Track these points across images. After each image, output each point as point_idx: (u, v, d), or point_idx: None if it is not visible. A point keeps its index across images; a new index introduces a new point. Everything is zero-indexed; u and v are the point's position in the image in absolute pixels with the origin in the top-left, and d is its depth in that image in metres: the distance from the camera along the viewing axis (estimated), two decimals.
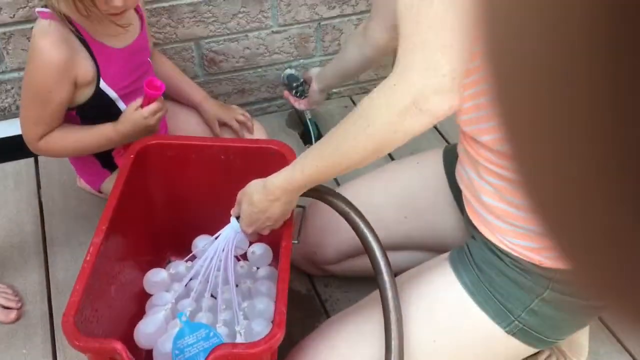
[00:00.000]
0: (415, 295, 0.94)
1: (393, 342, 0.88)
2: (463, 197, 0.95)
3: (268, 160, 1.15)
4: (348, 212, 0.95)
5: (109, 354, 0.84)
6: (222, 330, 1.07)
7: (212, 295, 1.13)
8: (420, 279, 0.96)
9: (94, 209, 1.41)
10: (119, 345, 0.84)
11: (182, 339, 1.03)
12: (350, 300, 1.28)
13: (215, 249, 1.09)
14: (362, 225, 0.94)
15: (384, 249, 0.93)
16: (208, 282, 1.09)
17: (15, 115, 1.49)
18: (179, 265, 1.21)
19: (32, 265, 1.34)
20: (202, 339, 1.04)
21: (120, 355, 0.83)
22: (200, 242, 1.23)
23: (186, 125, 1.41)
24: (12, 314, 1.22)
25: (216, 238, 1.09)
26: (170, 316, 1.10)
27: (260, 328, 1.07)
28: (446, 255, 0.97)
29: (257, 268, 1.21)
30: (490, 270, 0.89)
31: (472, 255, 0.92)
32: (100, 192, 1.39)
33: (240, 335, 1.05)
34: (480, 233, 0.91)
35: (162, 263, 1.28)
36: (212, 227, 1.22)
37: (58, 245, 1.39)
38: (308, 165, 0.85)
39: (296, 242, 1.04)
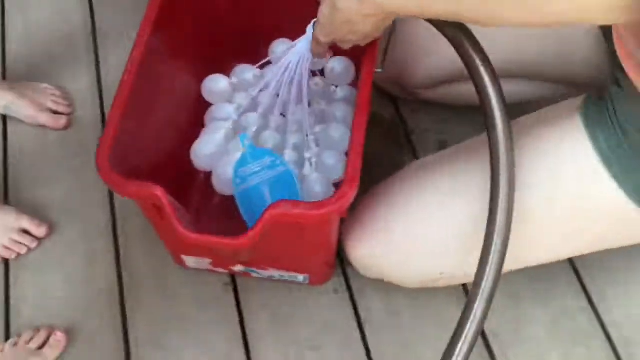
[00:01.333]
0: (534, 152, 0.73)
1: (500, 205, 0.69)
2: (614, 28, 0.68)
3: None
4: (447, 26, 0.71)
5: (150, 199, 0.71)
6: (290, 156, 0.93)
7: (281, 114, 0.97)
8: (542, 132, 0.74)
9: None
10: (159, 192, 0.70)
11: (244, 166, 0.90)
12: (443, 134, 1.09)
13: (289, 59, 0.89)
14: (468, 46, 0.70)
15: (498, 81, 0.70)
16: (278, 96, 0.92)
17: None
18: (245, 72, 1.03)
19: (82, 63, 1.19)
20: (267, 167, 0.90)
21: (161, 202, 0.70)
22: (279, 47, 1.03)
23: None
24: (62, 120, 1.11)
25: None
26: (231, 134, 0.97)
27: (332, 161, 0.92)
28: (578, 103, 0.74)
29: (335, 87, 1.01)
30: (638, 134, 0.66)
31: (616, 110, 0.68)
32: None
33: (311, 165, 0.91)
34: (630, 80, 0.66)
35: (225, 70, 1.10)
36: (292, 32, 1.01)
37: (110, 39, 1.22)
38: None
39: (380, 70, 0.82)
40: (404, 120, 1.12)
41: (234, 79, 1.03)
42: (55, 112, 1.12)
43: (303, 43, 0.86)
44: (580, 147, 0.71)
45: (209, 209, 0.98)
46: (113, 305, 0.96)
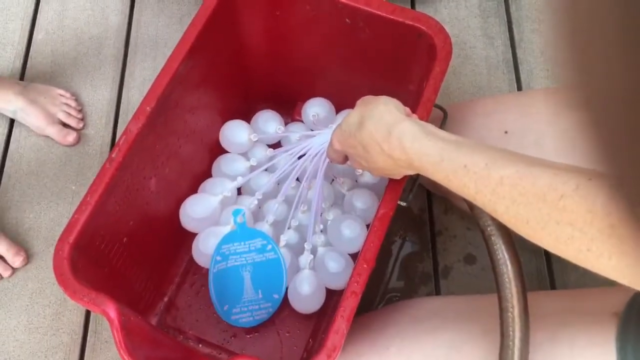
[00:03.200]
0: (544, 357, 0.60)
1: None
2: None
3: (410, 44, 0.76)
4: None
5: (103, 314, 0.62)
6: (289, 237, 0.83)
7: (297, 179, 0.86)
8: (562, 342, 0.61)
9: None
10: (112, 312, 0.61)
11: (230, 243, 0.81)
12: (472, 246, 0.96)
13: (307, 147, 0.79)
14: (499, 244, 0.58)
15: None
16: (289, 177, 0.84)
17: None
18: (267, 124, 0.93)
19: (106, 72, 1.10)
20: (257, 249, 0.81)
21: (112, 324, 0.61)
22: (295, 131, 0.93)
23: None
24: (71, 137, 1.02)
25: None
26: (232, 199, 0.86)
27: (336, 267, 0.80)
28: (613, 328, 0.60)
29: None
30: None
31: None
32: None
33: (307, 264, 0.81)
34: None
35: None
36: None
37: (143, 49, 1.12)
38: (456, 166, 0.52)
39: (404, 204, 0.70)
40: (433, 220, 0.99)
41: (253, 135, 0.92)
42: (65, 125, 1.03)
43: (325, 136, 0.76)
44: None
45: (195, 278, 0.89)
46: None
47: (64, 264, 0.62)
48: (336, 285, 0.81)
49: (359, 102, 0.63)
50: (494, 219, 0.57)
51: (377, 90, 0.86)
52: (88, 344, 0.89)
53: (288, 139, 0.91)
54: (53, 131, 1.02)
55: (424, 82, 0.72)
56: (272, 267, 0.81)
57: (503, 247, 0.58)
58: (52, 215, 0.98)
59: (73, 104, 1.05)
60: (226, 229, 0.83)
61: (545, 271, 0.94)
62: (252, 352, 0.84)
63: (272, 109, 0.96)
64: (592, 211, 0.43)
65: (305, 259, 0.82)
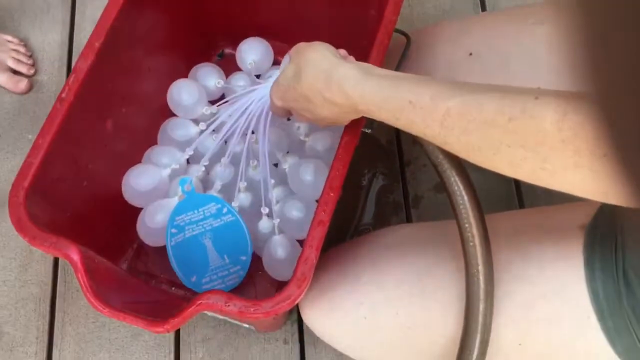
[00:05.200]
0: (518, 278, 0.61)
1: (473, 338, 0.59)
2: None
3: None
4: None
5: (65, 258, 0.61)
6: (243, 198, 0.79)
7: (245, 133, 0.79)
8: (531, 248, 0.62)
9: None
10: (75, 255, 0.59)
11: (183, 213, 0.77)
12: (439, 186, 0.96)
13: (248, 102, 0.75)
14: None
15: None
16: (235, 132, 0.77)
17: None
18: (207, 78, 0.88)
19: (55, 12, 1.05)
20: (212, 215, 0.77)
21: (76, 267, 0.59)
22: (239, 82, 0.88)
23: None
24: (22, 83, 0.98)
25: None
26: (182, 170, 0.81)
27: (297, 214, 0.78)
28: (582, 219, 0.60)
29: None
30: None
31: (625, 255, 0.56)
32: None
33: (269, 217, 0.77)
34: None
35: (210, 57, 0.96)
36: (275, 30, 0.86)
37: None
38: (397, 103, 0.51)
39: (369, 131, 0.68)
40: (402, 149, 0.98)
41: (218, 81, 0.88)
42: (16, 72, 0.99)
43: (265, 89, 0.72)
44: (573, 286, 0.58)
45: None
46: (42, 316, 0.87)
47: (20, 210, 0.60)
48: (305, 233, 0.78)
49: (292, 51, 0.61)
50: (445, 153, 0.56)
51: (338, 19, 0.84)
52: (59, 293, 0.88)
53: (231, 92, 0.85)
54: (3, 79, 0.97)
55: (385, 6, 0.70)
56: (232, 230, 0.77)
57: (457, 179, 0.57)
58: (9, 166, 0.94)
59: (22, 49, 1.00)
60: (174, 201, 0.77)
61: (514, 193, 0.95)
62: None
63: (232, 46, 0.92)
64: (542, 130, 0.42)
65: (265, 224, 0.78)
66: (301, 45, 0.61)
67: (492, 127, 0.45)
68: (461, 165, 0.58)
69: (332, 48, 0.59)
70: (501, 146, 0.45)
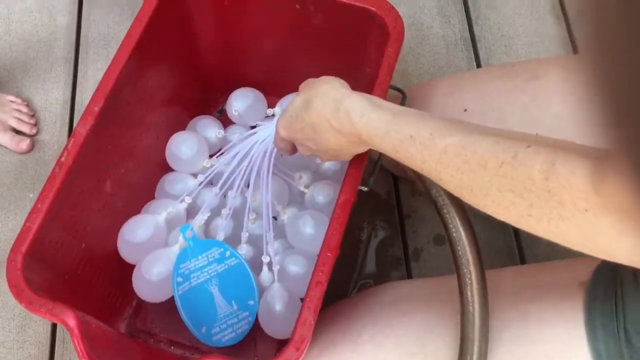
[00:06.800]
0: (520, 344, 0.60)
1: None
2: None
3: (363, 26, 0.75)
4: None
5: (62, 323, 0.60)
6: (244, 251, 0.79)
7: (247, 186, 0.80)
8: (529, 309, 0.61)
9: None
10: (72, 320, 0.59)
11: (186, 261, 0.77)
12: (440, 225, 0.96)
13: (251, 143, 0.77)
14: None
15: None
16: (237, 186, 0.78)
17: None
18: (207, 130, 0.89)
19: (57, 74, 1.07)
20: (215, 260, 0.77)
21: (72, 332, 0.59)
22: (234, 132, 0.89)
23: None
24: (24, 143, 0.99)
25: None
26: (181, 218, 0.81)
27: (298, 269, 0.78)
28: (580, 299, 0.60)
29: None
30: None
31: (626, 313, 0.55)
32: None
33: (270, 270, 0.77)
34: None
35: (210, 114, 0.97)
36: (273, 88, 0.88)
37: (95, 49, 1.09)
38: (403, 136, 0.52)
39: (366, 189, 0.69)
40: (400, 202, 0.99)
41: (219, 132, 0.89)
42: (18, 132, 1.00)
43: (269, 129, 0.74)
44: (576, 349, 0.57)
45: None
46: None
47: (17, 275, 0.60)
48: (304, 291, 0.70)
49: (301, 86, 0.63)
50: (444, 189, 0.57)
51: (334, 75, 0.85)
52: (56, 355, 0.87)
53: (231, 142, 0.84)
54: (5, 139, 0.99)
55: (380, 64, 0.71)
56: (237, 274, 0.77)
57: (455, 215, 0.58)
58: (10, 225, 0.95)
59: (25, 109, 1.01)
60: (174, 249, 0.77)
61: (514, 245, 0.95)
62: (226, 349, 0.83)
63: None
64: (531, 177, 0.43)
65: (266, 275, 0.77)
66: (311, 79, 0.63)
67: (484, 169, 0.46)
68: (460, 203, 0.58)
69: (341, 80, 0.61)
70: (492, 189, 0.46)
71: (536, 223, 0.44)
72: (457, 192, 0.50)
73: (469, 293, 0.58)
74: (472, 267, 0.58)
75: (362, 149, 0.60)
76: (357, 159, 0.65)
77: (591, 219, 0.40)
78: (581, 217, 0.40)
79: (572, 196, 0.41)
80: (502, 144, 0.46)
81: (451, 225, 0.58)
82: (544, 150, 0.43)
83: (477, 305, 0.57)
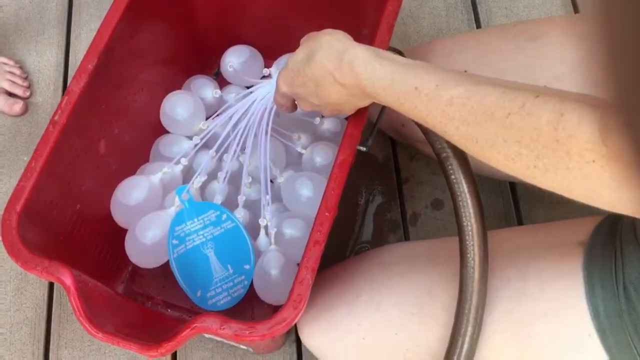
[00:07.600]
0: (518, 301, 0.60)
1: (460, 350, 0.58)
2: None
3: None
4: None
5: (58, 282, 0.60)
6: (241, 216, 0.77)
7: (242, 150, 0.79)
8: (528, 268, 0.61)
9: None
10: (68, 279, 0.58)
11: (182, 224, 0.76)
12: (439, 190, 0.95)
13: (248, 104, 0.75)
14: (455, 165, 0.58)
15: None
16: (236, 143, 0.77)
17: None
18: (204, 89, 0.88)
19: (50, 36, 1.05)
20: (212, 223, 0.76)
21: (69, 292, 0.59)
22: (230, 92, 0.88)
23: None
24: (17, 106, 0.98)
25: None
26: (177, 179, 0.79)
27: (294, 232, 0.77)
28: (581, 236, 0.59)
29: (321, 117, 0.84)
30: None
31: (625, 271, 0.55)
32: None
33: (267, 234, 0.76)
34: None
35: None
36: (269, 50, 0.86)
37: (88, 9, 1.07)
38: (408, 88, 0.51)
39: (364, 149, 0.68)
40: (399, 167, 0.98)
41: (215, 91, 0.87)
42: (11, 95, 0.99)
43: (267, 87, 0.72)
44: (574, 306, 0.57)
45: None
46: (37, 340, 0.86)
47: (12, 234, 0.59)
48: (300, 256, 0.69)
49: (303, 39, 0.62)
50: (448, 142, 0.56)
51: None
52: (54, 317, 0.87)
53: (227, 103, 0.84)
54: None
55: (378, 25, 0.70)
56: (233, 237, 0.76)
57: (458, 168, 0.58)
58: (4, 189, 0.94)
59: (18, 72, 1.00)
60: (170, 212, 0.75)
61: (512, 210, 0.94)
62: (223, 313, 0.83)
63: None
64: (538, 128, 0.42)
65: (263, 239, 0.75)
66: (312, 32, 0.62)
67: (491, 120, 0.46)
68: (464, 155, 0.58)
69: (344, 32, 0.59)
70: (497, 140, 0.45)
71: (542, 175, 0.43)
72: (462, 145, 0.49)
73: (469, 244, 0.57)
74: (473, 220, 0.58)
75: (365, 103, 0.59)
76: (356, 118, 0.64)
77: (598, 170, 0.39)
78: (588, 168, 0.40)
79: (579, 147, 0.40)
80: (509, 94, 0.45)
81: (453, 177, 0.58)
82: (552, 100, 0.42)
83: (477, 258, 0.57)
